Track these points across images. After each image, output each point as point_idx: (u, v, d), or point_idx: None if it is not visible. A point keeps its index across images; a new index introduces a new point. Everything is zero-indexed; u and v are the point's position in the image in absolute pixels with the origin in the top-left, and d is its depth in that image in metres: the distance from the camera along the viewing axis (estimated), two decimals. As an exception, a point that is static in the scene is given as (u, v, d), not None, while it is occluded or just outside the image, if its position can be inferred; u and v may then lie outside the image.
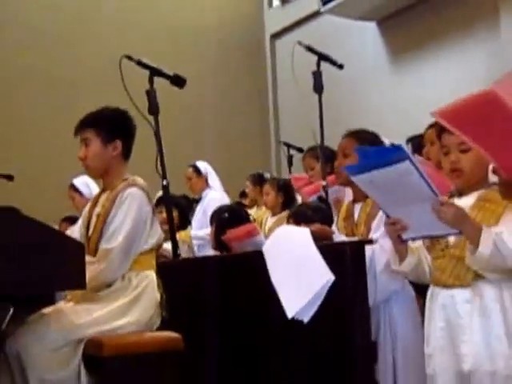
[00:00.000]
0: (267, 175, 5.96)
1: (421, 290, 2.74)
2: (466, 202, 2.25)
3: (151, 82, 3.47)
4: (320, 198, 4.43)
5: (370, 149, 2.24)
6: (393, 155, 2.06)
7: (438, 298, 2.34)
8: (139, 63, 3.46)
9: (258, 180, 5.64)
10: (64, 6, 8.06)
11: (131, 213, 2.85)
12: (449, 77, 6.33)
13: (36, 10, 7.90)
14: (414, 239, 2.35)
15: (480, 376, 2.19)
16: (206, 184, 5.72)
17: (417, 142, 4.02)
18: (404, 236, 2.27)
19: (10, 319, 2.66)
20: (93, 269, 2.68)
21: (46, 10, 7.97)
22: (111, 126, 3.01)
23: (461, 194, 2.32)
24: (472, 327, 2.23)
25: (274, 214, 4.95)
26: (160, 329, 2.87)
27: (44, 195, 5.26)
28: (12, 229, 2.22)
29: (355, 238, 2.88)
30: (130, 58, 3.44)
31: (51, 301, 2.96)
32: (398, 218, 2.24)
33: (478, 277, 2.21)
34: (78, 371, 2.65)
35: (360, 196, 2.93)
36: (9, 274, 2.18)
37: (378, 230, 2.78)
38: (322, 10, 7.44)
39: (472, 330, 2.23)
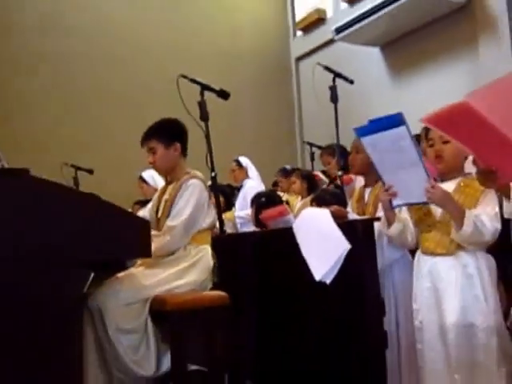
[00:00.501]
0: (292, 168, 6.00)
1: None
2: (447, 186, 2.31)
3: (202, 95, 3.50)
4: (336, 186, 4.45)
5: (376, 119, 2.23)
6: (394, 120, 2.15)
7: (426, 263, 2.41)
8: (192, 80, 3.49)
9: (287, 172, 5.67)
10: (130, 36, 8.13)
11: (193, 198, 2.90)
12: (438, 90, 6.36)
13: (110, 38, 8.00)
14: (400, 206, 2.41)
15: (460, 329, 2.24)
16: (246, 175, 5.75)
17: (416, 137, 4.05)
18: (394, 203, 2.36)
19: (92, 281, 2.70)
20: (159, 240, 2.74)
21: (121, 41, 8.08)
22: (169, 133, 3.07)
23: (442, 180, 2.39)
24: (455, 288, 2.29)
25: (302, 198, 5.00)
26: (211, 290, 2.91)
27: (119, 185, 5.28)
28: (94, 210, 2.25)
29: (366, 217, 2.88)
30: (184, 76, 3.47)
31: (124, 267, 2.98)
32: (390, 184, 2.32)
33: (459, 247, 2.28)
34: (146, 323, 2.68)
35: (370, 182, 2.97)
36: (91, 245, 2.20)
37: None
38: (336, 38, 7.51)
39: (454, 290, 2.28)
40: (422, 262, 2.42)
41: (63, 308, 2.12)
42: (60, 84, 7.68)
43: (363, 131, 2.28)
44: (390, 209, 2.41)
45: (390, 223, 2.45)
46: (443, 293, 2.30)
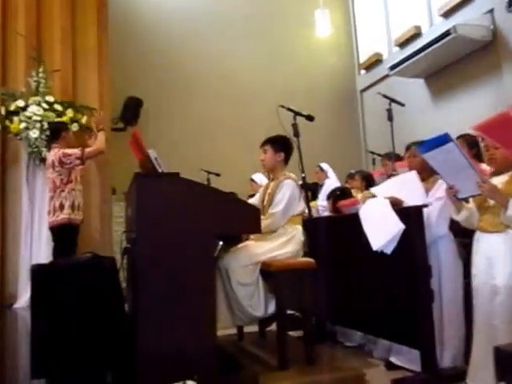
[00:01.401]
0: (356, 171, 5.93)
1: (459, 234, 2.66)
2: (500, 179, 2.23)
3: (295, 119, 3.52)
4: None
5: (431, 139, 2.23)
6: (443, 139, 2.15)
7: (483, 239, 2.31)
8: (288, 109, 3.52)
9: (352, 175, 5.61)
10: (240, 80, 8.32)
11: (287, 193, 2.94)
12: (470, 111, 6.08)
13: (226, 81, 8.22)
14: (463, 198, 2.32)
15: (508, 290, 2.15)
16: (326, 176, 5.76)
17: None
18: (458, 196, 2.28)
19: (221, 249, 2.80)
20: (264, 223, 2.77)
21: (235, 84, 8.29)
22: (280, 144, 3.11)
23: (496, 174, 2.29)
24: (504, 258, 2.19)
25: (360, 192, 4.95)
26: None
27: (237, 184, 5.41)
28: (223, 200, 2.34)
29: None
30: (282, 106, 3.50)
31: (240, 239, 3.06)
32: (452, 184, 2.27)
33: (507, 227, 2.19)
34: (257, 279, 2.74)
35: (424, 177, 2.85)
36: (221, 224, 2.29)
37: (433, 196, 2.70)
38: (390, 73, 7.40)
39: (504, 259, 2.18)
40: (480, 238, 2.32)
41: (207, 263, 2.23)
42: (197, 114, 8.03)
43: (424, 148, 2.28)
44: (456, 201, 2.32)
45: (458, 211, 2.35)
46: (495, 262, 2.21)
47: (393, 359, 2.75)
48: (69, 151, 4.29)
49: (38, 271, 2.06)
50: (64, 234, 4.23)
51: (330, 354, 3.03)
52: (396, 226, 2.51)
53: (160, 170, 2.49)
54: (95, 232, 5.78)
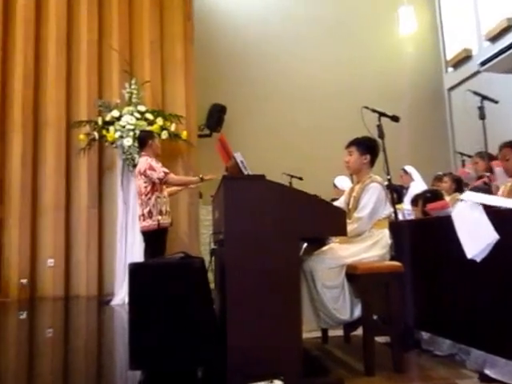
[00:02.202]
0: (443, 173, 5.65)
1: None
2: None
3: (379, 120, 3.42)
4: (484, 183, 4.08)
5: None
6: None
7: None
8: (373, 110, 3.43)
9: (439, 177, 5.35)
10: (326, 81, 8.27)
11: (374, 196, 2.85)
12: None
13: (312, 82, 8.22)
14: None
15: None
16: (411, 178, 5.54)
17: None
18: None
19: (304, 251, 2.79)
20: (350, 227, 2.71)
21: (320, 85, 8.27)
22: (366, 146, 3.03)
23: None
24: None
25: (449, 195, 4.70)
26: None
27: (318, 188, 5.42)
28: (308, 202, 2.33)
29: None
30: (366, 107, 3.42)
31: (324, 242, 3.03)
32: None
33: None
34: (343, 282, 2.69)
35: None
36: (306, 225, 2.28)
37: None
38: (481, 69, 7.00)
39: None
40: None
41: (293, 265, 2.24)
42: (279, 119, 8.12)
43: None
44: None
45: None
46: None
47: (488, 371, 2.57)
48: (155, 166, 4.38)
49: (134, 269, 2.19)
50: (154, 237, 4.43)
51: (417, 363, 2.90)
52: (490, 236, 2.35)
53: (246, 173, 2.53)
54: (183, 234, 6.03)
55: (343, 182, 5.22)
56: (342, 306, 2.67)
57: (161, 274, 2.16)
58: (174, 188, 4.81)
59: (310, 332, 2.98)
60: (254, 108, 8.09)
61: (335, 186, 5.43)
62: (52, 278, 6.13)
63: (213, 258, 3.12)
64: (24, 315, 5.07)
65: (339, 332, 3.28)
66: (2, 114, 6.40)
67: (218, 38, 8.15)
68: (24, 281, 6.06)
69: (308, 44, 8.50)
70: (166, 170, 4.42)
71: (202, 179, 4.55)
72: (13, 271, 6.12)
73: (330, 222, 2.37)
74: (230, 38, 8.31)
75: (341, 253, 2.74)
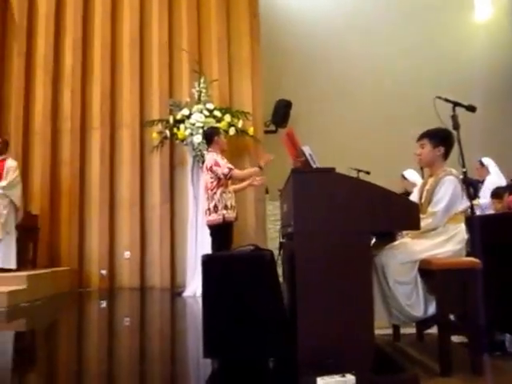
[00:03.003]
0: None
1: None
2: None
3: (454, 110, 3.25)
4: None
5: None
6: None
7: None
8: (446, 100, 3.26)
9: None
10: (395, 73, 8.00)
11: (449, 190, 2.71)
12: None
13: (378, 76, 7.99)
14: None
15: None
16: (487, 172, 5.23)
17: None
18: None
19: (374, 246, 2.71)
20: (423, 222, 2.60)
21: (372, 73, 8.02)
22: (439, 138, 2.89)
23: None
24: None
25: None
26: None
27: (386, 181, 5.27)
28: (379, 195, 2.27)
29: None
30: (439, 97, 3.26)
31: (394, 236, 2.93)
32: None
33: None
34: (416, 277, 2.59)
35: None
36: (379, 219, 2.22)
37: None
38: None
39: None
40: None
41: (364, 259, 2.19)
42: (345, 112, 7.97)
43: None
44: None
45: None
46: None
47: None
48: (220, 162, 4.46)
49: (207, 261, 2.24)
50: (219, 231, 4.51)
51: (499, 365, 2.73)
52: None
53: (315, 167, 2.51)
54: (250, 229, 6.10)
55: (413, 175, 5.03)
56: (415, 302, 2.57)
57: (232, 265, 2.20)
58: (239, 185, 4.86)
59: (381, 329, 2.91)
60: (321, 102, 7.99)
61: (404, 178, 5.22)
62: (128, 269, 6.45)
63: (281, 252, 3.13)
64: (104, 304, 5.37)
65: (411, 330, 3.17)
66: (83, 115, 6.81)
67: (283, 34, 8.13)
68: (103, 272, 6.43)
69: (375, 35, 8.25)
70: (231, 166, 4.48)
71: (260, 167, 4.60)
72: (93, 263, 6.52)
73: (403, 215, 2.29)
74: (295, 32, 8.26)
75: (414, 248, 2.64)
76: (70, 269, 6.37)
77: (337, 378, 1.87)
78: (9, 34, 7.11)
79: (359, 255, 2.17)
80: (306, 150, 2.55)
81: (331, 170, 2.23)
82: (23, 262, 5.80)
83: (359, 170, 5.89)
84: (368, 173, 5.83)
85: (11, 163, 5.81)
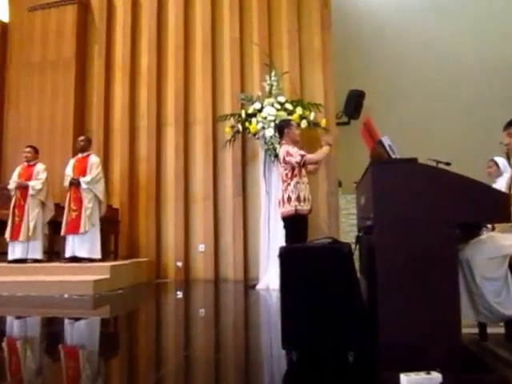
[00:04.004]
0: None
1: None
2: None
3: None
4: None
5: None
6: None
7: None
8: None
9: None
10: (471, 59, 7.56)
11: None
12: None
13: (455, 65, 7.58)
14: None
15: None
16: None
17: None
18: None
19: (459, 240, 2.59)
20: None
21: (449, 62, 7.60)
22: None
23: None
24: None
25: None
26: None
27: (470, 174, 5.01)
28: (462, 184, 2.17)
29: None
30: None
31: (479, 230, 2.78)
32: None
33: None
34: (506, 273, 2.45)
35: None
36: (465, 211, 2.13)
37: None
38: None
39: None
40: None
41: (449, 253, 2.11)
42: (423, 104, 7.66)
43: None
44: None
45: None
46: None
47: None
48: (292, 152, 4.47)
49: (284, 253, 2.26)
50: (293, 223, 4.51)
51: None
52: None
53: (394, 157, 2.44)
54: (323, 222, 6.06)
55: (504, 162, 4.68)
56: (506, 299, 2.43)
57: (310, 257, 2.20)
58: (320, 153, 4.75)
59: (466, 327, 2.78)
60: (395, 91, 7.75)
61: (496, 164, 4.85)
62: (203, 262, 6.66)
63: (358, 246, 3.08)
64: (180, 295, 5.59)
65: (500, 329, 3.00)
66: (158, 113, 7.10)
67: (354, 23, 7.96)
68: (179, 264, 6.69)
69: (453, 15, 7.84)
70: (303, 153, 4.48)
71: (329, 144, 4.59)
72: (170, 255, 6.81)
73: (493, 206, 2.17)
74: (366, 21, 8.05)
75: (503, 242, 2.49)
76: (148, 260, 6.70)
77: (422, 374, 1.82)
78: (90, 38, 7.57)
79: (445, 249, 2.09)
80: (385, 139, 2.49)
81: (413, 160, 2.17)
82: (106, 253, 6.17)
83: (438, 161, 5.61)
84: (448, 164, 5.55)
85: (94, 159, 6.19)
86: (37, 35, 7.58)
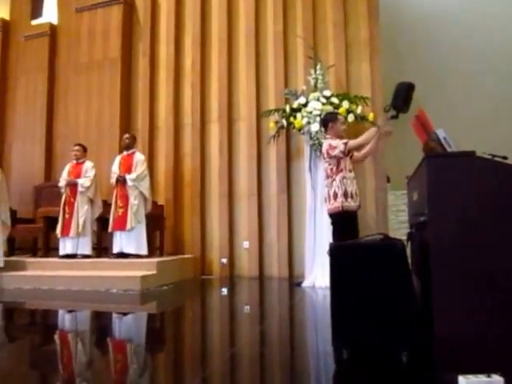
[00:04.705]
0: None
1: None
2: None
3: None
4: None
5: None
6: None
7: None
8: None
9: None
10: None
11: None
12: None
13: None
14: None
15: None
16: None
17: None
18: None
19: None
20: None
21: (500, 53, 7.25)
22: None
23: None
24: None
25: None
26: None
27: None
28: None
29: None
30: None
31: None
32: None
33: None
34: None
35: None
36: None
37: None
38: None
39: None
40: None
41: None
42: (476, 95, 7.38)
43: None
44: None
45: None
46: None
47: None
48: (334, 143, 4.33)
49: (335, 250, 2.24)
50: (340, 219, 4.41)
51: None
52: None
53: (450, 150, 2.37)
54: (371, 219, 5.97)
55: None
56: None
57: (362, 254, 2.17)
58: (361, 153, 4.61)
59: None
60: (446, 83, 7.50)
61: None
62: (247, 259, 6.71)
63: (409, 243, 3.01)
64: (225, 291, 5.65)
65: None
66: (202, 110, 7.20)
67: (403, 12, 7.76)
68: (224, 260, 6.76)
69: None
70: (345, 140, 4.30)
71: (378, 127, 4.35)
72: (214, 252, 6.90)
73: None
74: (416, 10, 7.83)
75: None
76: (193, 257, 6.81)
77: (482, 377, 1.75)
78: (135, 37, 7.77)
79: (508, 249, 2.00)
80: (440, 132, 2.42)
81: (471, 154, 2.09)
82: (151, 249, 6.32)
83: (494, 156, 5.40)
84: (505, 158, 5.32)
85: (139, 157, 6.34)
86: (84, 36, 7.85)
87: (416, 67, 7.42)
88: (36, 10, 8.82)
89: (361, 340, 2.18)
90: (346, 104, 5.73)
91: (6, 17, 8.88)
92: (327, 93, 5.86)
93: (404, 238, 3.05)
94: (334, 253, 2.22)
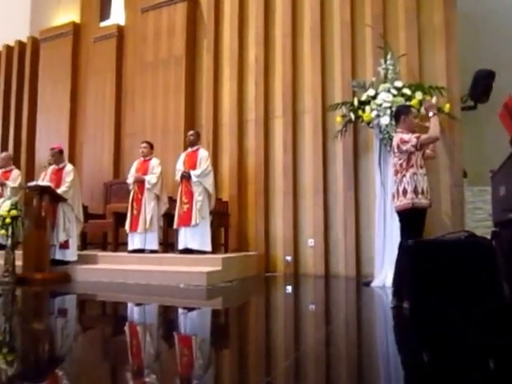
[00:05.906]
0: None
1: None
2: None
3: None
4: None
5: None
6: None
7: None
8: None
9: None
10: None
11: None
12: None
13: None
14: None
15: None
16: None
17: None
18: None
19: None
20: None
21: None
22: None
23: None
24: None
25: None
26: None
27: None
28: None
29: None
30: None
31: None
32: None
33: None
34: None
35: None
36: None
37: None
38: None
39: None
40: None
41: None
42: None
43: None
44: None
45: None
46: None
47: None
48: (406, 138, 4.23)
49: (414, 247, 2.13)
50: (409, 218, 4.25)
51: None
52: None
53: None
54: (445, 216, 5.70)
55: None
56: None
57: (445, 251, 2.04)
58: (431, 148, 4.50)
59: None
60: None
61: None
62: (313, 257, 6.63)
63: (493, 242, 2.82)
64: (289, 289, 5.60)
65: None
66: (266, 105, 7.19)
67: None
68: (288, 258, 6.72)
69: None
70: (417, 134, 4.21)
71: (434, 114, 4.26)
72: (279, 249, 6.88)
73: None
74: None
75: None
76: (258, 253, 6.82)
77: None
78: (199, 34, 7.90)
79: None
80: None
81: None
82: (216, 246, 6.40)
83: None
84: None
85: (203, 153, 6.44)
86: (149, 35, 8.09)
87: (497, 54, 6.99)
88: (104, 13, 9.21)
89: (442, 341, 2.05)
90: (419, 95, 5.49)
91: (77, 20, 9.34)
92: (398, 83, 5.64)
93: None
94: (413, 251, 2.11)
